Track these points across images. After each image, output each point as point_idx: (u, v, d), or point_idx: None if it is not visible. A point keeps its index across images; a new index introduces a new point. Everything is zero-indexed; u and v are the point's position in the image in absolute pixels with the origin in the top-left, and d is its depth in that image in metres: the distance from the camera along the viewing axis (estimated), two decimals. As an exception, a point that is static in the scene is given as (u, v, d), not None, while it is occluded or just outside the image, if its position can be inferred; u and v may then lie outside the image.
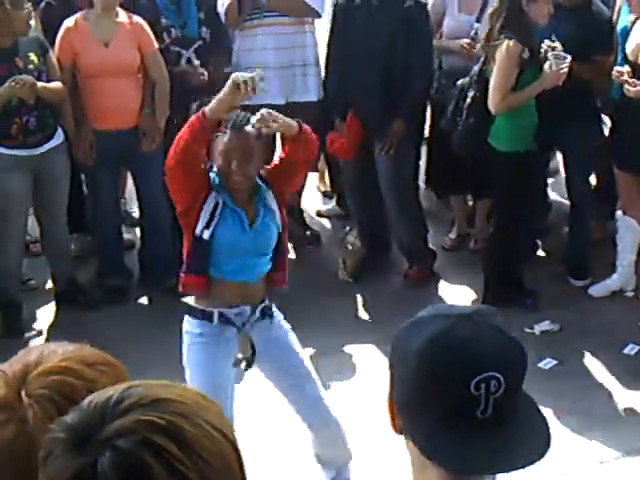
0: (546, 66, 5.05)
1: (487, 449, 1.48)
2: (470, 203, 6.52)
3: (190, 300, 3.77)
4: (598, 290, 5.76)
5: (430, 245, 6.15)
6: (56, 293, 5.81)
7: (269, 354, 3.79)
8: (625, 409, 4.73)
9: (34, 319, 5.61)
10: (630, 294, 5.74)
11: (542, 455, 1.51)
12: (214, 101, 3.54)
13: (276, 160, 3.87)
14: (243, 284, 3.70)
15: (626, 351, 5.18)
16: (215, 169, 3.64)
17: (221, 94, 3.53)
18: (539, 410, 1.57)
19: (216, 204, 3.60)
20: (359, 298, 5.85)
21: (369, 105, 5.68)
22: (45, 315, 5.70)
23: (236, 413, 3.69)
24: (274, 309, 3.83)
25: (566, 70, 5.02)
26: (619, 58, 5.38)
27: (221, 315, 3.69)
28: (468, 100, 5.32)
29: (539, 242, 6.27)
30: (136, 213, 6.42)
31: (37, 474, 1.36)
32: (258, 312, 3.74)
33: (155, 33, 5.64)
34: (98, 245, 6.01)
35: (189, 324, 3.78)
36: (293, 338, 3.87)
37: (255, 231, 3.66)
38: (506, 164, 5.27)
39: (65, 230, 5.75)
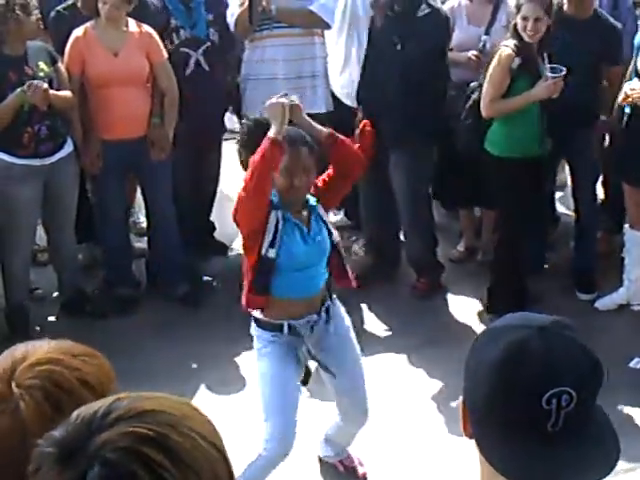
0: (543, 78, 5.13)
1: (554, 462, 1.47)
2: (478, 215, 6.52)
3: (257, 313, 3.88)
4: (605, 304, 5.75)
5: (438, 257, 6.15)
6: (63, 302, 5.82)
7: (329, 357, 3.96)
8: (631, 423, 4.71)
9: (41, 328, 5.58)
10: (637, 308, 5.71)
11: (609, 471, 1.49)
12: (273, 125, 3.64)
13: (324, 177, 3.98)
14: (306, 299, 3.84)
15: (632, 365, 5.17)
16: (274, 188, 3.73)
17: (275, 123, 3.64)
18: (610, 423, 1.56)
19: (277, 222, 3.72)
20: (366, 309, 5.85)
21: (389, 114, 5.66)
22: (52, 324, 5.70)
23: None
24: (334, 301, 3.99)
25: (561, 83, 5.07)
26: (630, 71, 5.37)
27: (290, 327, 3.81)
28: (470, 102, 5.46)
29: (546, 255, 6.26)
30: (144, 223, 6.42)
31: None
32: (323, 315, 3.89)
33: (165, 33, 5.67)
34: (105, 254, 6.00)
35: (260, 333, 3.90)
36: (352, 334, 4.07)
37: (313, 241, 3.80)
38: (500, 170, 5.36)
39: (73, 239, 5.76)
